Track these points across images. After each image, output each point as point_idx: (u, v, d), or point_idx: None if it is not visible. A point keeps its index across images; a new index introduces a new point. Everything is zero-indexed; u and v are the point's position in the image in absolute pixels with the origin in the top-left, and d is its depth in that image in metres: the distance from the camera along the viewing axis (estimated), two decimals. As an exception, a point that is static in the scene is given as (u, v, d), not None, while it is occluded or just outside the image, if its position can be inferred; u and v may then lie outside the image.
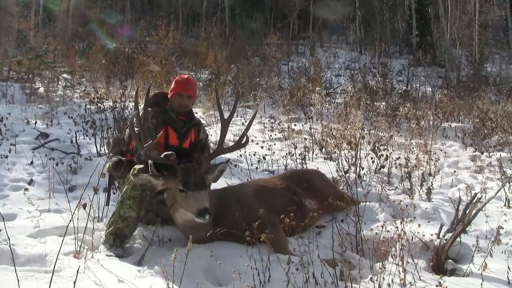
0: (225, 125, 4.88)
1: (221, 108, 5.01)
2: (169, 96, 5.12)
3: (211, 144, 6.24)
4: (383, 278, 3.52)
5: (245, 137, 4.77)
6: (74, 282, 3.17)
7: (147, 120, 4.62)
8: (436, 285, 3.40)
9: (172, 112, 5.07)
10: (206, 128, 5.65)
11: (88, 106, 10.46)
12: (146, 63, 15.65)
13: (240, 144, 4.82)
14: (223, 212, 4.57)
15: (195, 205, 4.17)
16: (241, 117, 11.94)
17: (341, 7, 33.08)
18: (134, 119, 4.60)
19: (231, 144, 6.50)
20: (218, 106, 5.03)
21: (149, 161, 4.38)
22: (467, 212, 4.40)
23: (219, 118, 11.26)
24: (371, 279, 3.69)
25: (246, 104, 13.75)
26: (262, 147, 8.29)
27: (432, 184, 6.59)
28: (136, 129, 4.52)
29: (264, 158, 7.78)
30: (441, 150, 9.49)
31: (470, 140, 10.67)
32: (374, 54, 27.33)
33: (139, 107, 4.81)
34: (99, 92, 10.81)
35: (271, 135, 9.70)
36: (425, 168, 7.63)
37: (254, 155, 7.72)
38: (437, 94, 17.08)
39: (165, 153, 4.47)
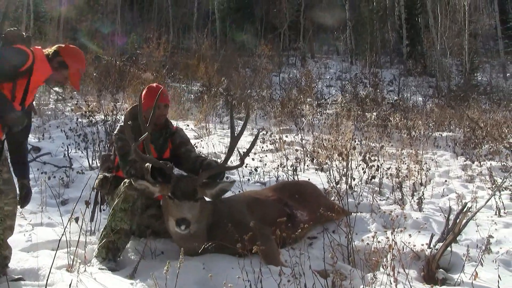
0: (234, 142, 4.77)
1: (233, 123, 4.94)
2: (144, 109, 4.99)
3: (198, 152, 6.16)
4: (375, 288, 3.53)
5: (243, 159, 4.74)
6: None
7: (129, 133, 4.57)
8: (427, 295, 3.42)
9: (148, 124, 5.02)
10: (197, 141, 5.62)
11: (79, 120, 10.46)
12: (137, 76, 15.67)
13: (239, 164, 4.78)
14: (216, 224, 4.57)
15: (176, 214, 4.20)
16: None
17: (331, 18, 33.25)
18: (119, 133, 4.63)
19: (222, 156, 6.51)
20: (231, 121, 4.94)
21: (146, 168, 4.39)
22: (457, 221, 4.42)
23: (210, 130, 11.45)
24: (362, 289, 3.70)
25: (238, 116, 13.77)
26: (253, 159, 8.31)
27: (423, 194, 6.60)
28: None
29: (255, 169, 7.79)
30: (432, 160, 9.52)
31: (461, 150, 10.70)
32: (365, 64, 27.41)
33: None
34: (91, 106, 10.80)
35: (262, 147, 9.71)
36: (416, 178, 7.65)
37: (246, 166, 7.73)
38: (428, 104, 17.16)
39: (162, 162, 4.48)
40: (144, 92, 5.15)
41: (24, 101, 4.04)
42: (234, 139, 4.76)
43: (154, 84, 5.30)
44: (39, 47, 4.29)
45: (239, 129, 4.82)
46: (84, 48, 21.56)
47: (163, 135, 5.08)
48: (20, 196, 4.32)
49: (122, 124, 4.82)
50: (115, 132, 4.96)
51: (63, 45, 4.42)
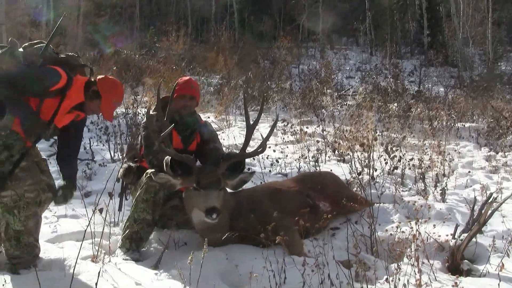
0: (250, 131, 4.83)
1: (248, 114, 4.93)
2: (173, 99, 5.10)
3: (224, 149, 6.20)
4: (399, 279, 3.49)
5: (263, 145, 4.76)
6: (96, 284, 3.19)
7: (152, 124, 4.61)
8: (452, 286, 3.37)
9: (176, 115, 5.06)
10: (217, 133, 5.61)
11: (101, 113, 10.51)
12: (157, 69, 15.70)
13: (259, 151, 4.80)
14: (238, 215, 4.58)
15: (204, 204, 4.20)
16: (252, 120, 11.94)
17: (351, 8, 33.06)
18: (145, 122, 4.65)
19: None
20: (245, 112, 4.98)
21: (165, 161, 4.40)
22: (482, 212, 4.36)
23: (231, 122, 11.44)
24: (386, 279, 3.66)
25: (257, 108, 13.73)
26: (274, 150, 8.28)
27: (447, 185, 6.55)
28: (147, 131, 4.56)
29: (277, 161, 7.78)
30: (455, 151, 9.42)
31: (485, 140, 10.59)
32: (385, 55, 27.23)
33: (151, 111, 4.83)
34: (112, 99, 10.84)
35: (283, 138, 9.69)
36: (439, 168, 7.57)
37: (267, 158, 7.71)
38: (450, 94, 16.98)
39: (185, 154, 4.49)
40: (177, 81, 5.21)
41: (52, 121, 4.15)
42: (250, 127, 4.79)
43: (186, 77, 5.34)
44: (102, 76, 4.49)
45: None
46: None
47: (191, 127, 5.09)
48: (58, 193, 4.44)
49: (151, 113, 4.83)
50: (143, 121, 4.98)
51: (102, 76, 4.50)
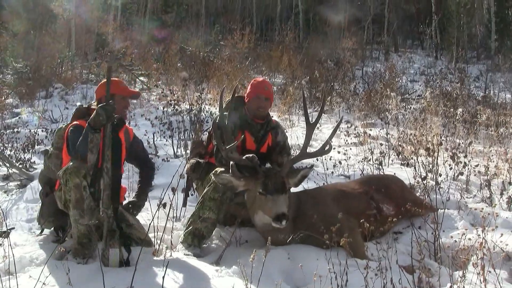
0: (310, 129, 4.85)
1: (307, 113, 4.98)
2: (246, 100, 5.18)
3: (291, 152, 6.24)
4: (463, 287, 3.47)
5: (328, 144, 4.78)
6: (163, 277, 3.28)
7: (225, 123, 4.70)
8: (519, 296, 3.33)
9: (249, 116, 5.13)
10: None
11: (165, 109, 10.70)
12: (221, 67, 15.87)
13: (323, 151, 4.83)
14: (301, 215, 4.61)
15: (273, 210, 4.22)
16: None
17: (417, 11, 32.54)
18: (217, 121, 4.73)
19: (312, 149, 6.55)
20: (305, 110, 5.01)
21: (231, 162, 4.46)
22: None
23: (294, 122, 11.46)
24: (450, 287, 3.64)
25: (319, 109, 13.69)
26: (338, 152, 8.27)
27: (513, 193, 6.42)
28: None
29: (339, 162, 7.77)
30: (523, 159, 9.19)
31: (553, 149, 10.29)
32: (451, 59, 26.71)
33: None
34: (176, 95, 11.03)
35: (346, 140, 9.66)
36: (505, 176, 7.41)
37: (330, 159, 7.71)
38: (516, 101, 16.52)
39: (247, 155, 4.54)
40: (251, 82, 5.30)
41: None
42: (310, 126, 4.82)
43: (260, 78, 5.42)
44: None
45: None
46: (169, 39, 22.09)
47: (264, 128, 5.15)
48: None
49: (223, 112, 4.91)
50: (215, 119, 5.06)
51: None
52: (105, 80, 4.55)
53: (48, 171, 4.87)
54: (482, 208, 5.24)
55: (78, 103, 8.79)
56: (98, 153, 4.27)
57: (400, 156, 8.32)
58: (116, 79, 5.08)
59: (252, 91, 5.12)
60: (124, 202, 5.10)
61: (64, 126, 4.87)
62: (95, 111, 4.21)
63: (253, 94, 5.10)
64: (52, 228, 4.95)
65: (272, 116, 5.52)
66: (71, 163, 4.29)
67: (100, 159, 4.30)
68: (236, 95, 5.07)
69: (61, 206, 4.50)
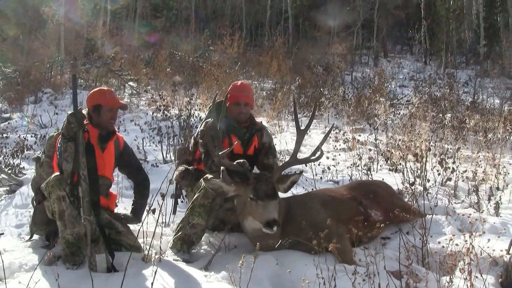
0: (300, 136, 4.87)
1: (297, 119, 5.00)
2: (227, 105, 5.17)
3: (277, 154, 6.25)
4: (451, 292, 3.50)
5: (319, 150, 4.79)
6: (152, 283, 3.29)
7: (215, 129, 4.71)
8: (506, 301, 3.36)
9: (233, 120, 5.14)
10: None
11: (154, 114, 10.70)
12: (211, 72, 15.87)
13: (314, 157, 4.83)
14: (290, 221, 4.62)
15: (263, 215, 4.24)
16: (304, 126, 11.94)
17: (406, 16, 32.64)
18: (205, 128, 4.74)
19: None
20: (295, 116, 5.03)
21: (222, 168, 4.47)
22: (539, 227, 4.32)
23: (283, 127, 11.49)
24: (438, 292, 3.67)
25: (309, 114, 13.73)
26: (327, 158, 8.29)
27: (501, 199, 6.45)
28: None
29: (328, 168, 7.79)
30: (510, 164, 9.23)
31: (542, 154, 10.35)
32: (440, 64, 26.85)
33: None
34: (165, 100, 11.04)
35: (335, 146, 9.69)
36: (493, 182, 7.46)
37: (319, 165, 7.73)
38: (506, 106, 16.61)
39: (238, 160, 4.55)
40: (230, 87, 5.29)
41: None
42: (300, 132, 4.85)
43: (239, 82, 5.41)
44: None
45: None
46: (159, 44, 22.11)
47: (249, 131, 5.16)
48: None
49: (208, 120, 4.93)
50: (200, 128, 5.06)
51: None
52: (95, 89, 4.59)
53: (40, 179, 4.85)
54: (470, 214, 5.28)
55: (67, 108, 8.78)
56: (73, 162, 4.26)
57: (388, 162, 8.35)
58: (104, 88, 5.05)
59: (232, 96, 5.12)
60: (116, 210, 5.10)
61: (55, 134, 4.86)
62: (65, 119, 4.21)
63: (232, 99, 5.11)
64: (44, 236, 4.94)
65: (261, 122, 5.54)
66: (53, 176, 4.30)
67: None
68: (217, 100, 5.10)
69: (50, 215, 4.49)
